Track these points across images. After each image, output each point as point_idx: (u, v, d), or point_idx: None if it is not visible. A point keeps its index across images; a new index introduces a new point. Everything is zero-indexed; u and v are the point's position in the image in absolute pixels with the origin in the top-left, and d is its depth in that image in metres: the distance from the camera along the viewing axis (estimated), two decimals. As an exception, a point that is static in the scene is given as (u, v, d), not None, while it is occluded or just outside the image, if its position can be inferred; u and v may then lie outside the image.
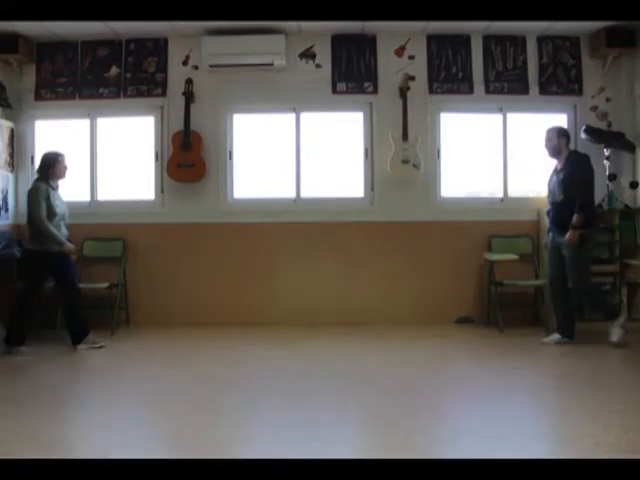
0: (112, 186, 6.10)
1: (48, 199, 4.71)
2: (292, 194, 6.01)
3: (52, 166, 4.80)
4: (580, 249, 4.70)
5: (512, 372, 4.10)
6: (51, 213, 4.70)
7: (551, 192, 4.98)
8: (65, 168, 4.90)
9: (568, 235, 4.67)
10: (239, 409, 3.35)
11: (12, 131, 5.92)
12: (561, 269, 4.87)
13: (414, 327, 5.57)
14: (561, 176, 4.85)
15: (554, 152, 4.95)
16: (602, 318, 4.96)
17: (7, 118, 5.84)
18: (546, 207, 5.14)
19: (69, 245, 4.78)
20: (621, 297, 5.56)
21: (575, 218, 4.64)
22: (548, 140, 4.95)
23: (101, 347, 4.82)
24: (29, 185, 5.99)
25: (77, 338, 4.85)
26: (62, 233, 4.81)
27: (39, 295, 4.80)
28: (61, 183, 4.95)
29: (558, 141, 4.90)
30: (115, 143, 6.11)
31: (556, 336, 4.89)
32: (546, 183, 5.12)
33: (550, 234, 5.01)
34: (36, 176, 4.89)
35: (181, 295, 5.88)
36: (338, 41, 5.97)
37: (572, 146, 5.98)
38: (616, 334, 4.74)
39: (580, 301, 5.08)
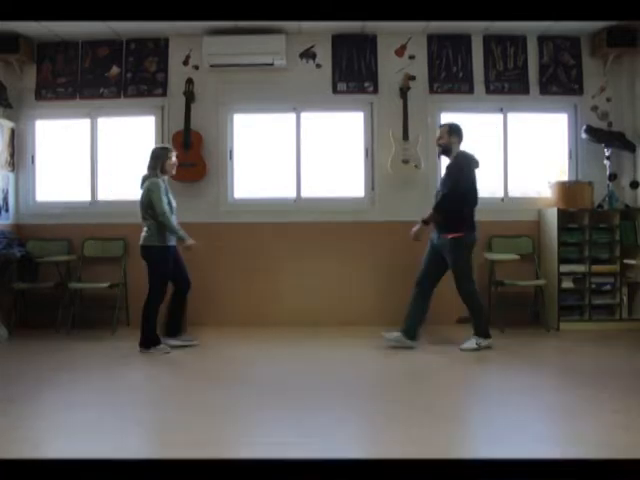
0: (113, 186, 6.10)
1: (166, 194, 4.74)
2: (292, 194, 6.01)
3: (161, 162, 4.78)
4: (456, 253, 4.63)
5: (512, 372, 4.10)
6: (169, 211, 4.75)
7: (436, 190, 4.93)
8: (174, 164, 4.87)
9: (413, 228, 4.69)
10: (239, 409, 3.35)
11: (12, 131, 5.93)
12: (432, 268, 4.80)
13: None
14: (443, 176, 4.78)
15: (443, 150, 4.80)
16: (472, 325, 4.77)
17: (8, 118, 5.85)
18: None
19: (191, 241, 4.78)
20: (621, 297, 5.56)
21: (428, 215, 4.63)
22: (439, 137, 4.79)
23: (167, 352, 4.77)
24: (28, 185, 6.06)
25: (173, 332, 4.90)
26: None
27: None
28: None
29: (449, 139, 4.74)
30: (115, 143, 6.11)
31: (395, 336, 4.78)
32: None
33: (432, 233, 4.87)
34: (147, 173, 4.82)
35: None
36: (338, 41, 5.97)
37: (572, 146, 6.02)
38: (469, 345, 4.67)
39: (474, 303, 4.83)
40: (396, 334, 4.81)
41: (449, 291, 5.82)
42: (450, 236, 4.62)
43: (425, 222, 4.66)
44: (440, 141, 4.78)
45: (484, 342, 4.68)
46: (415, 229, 4.71)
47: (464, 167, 4.67)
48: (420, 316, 4.83)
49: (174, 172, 4.93)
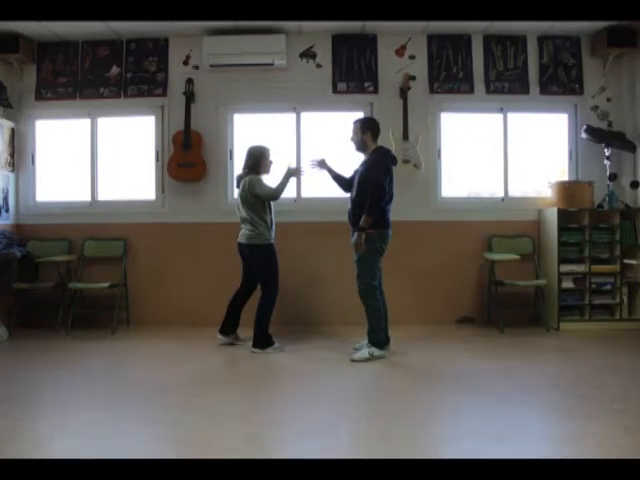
0: (113, 186, 6.10)
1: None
2: (293, 194, 6.00)
3: (259, 161, 4.79)
4: (367, 250, 4.40)
5: (512, 372, 4.10)
6: (268, 207, 4.77)
7: (353, 187, 4.64)
8: (271, 163, 4.87)
9: (354, 237, 4.42)
10: (238, 409, 3.35)
11: (13, 131, 5.93)
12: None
13: (414, 327, 5.57)
14: (360, 172, 4.55)
15: (358, 147, 4.59)
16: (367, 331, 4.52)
17: (8, 118, 5.85)
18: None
19: (292, 166, 4.85)
20: (622, 297, 5.56)
21: (363, 219, 4.34)
22: (354, 134, 4.58)
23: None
24: (29, 185, 6.05)
25: (228, 329, 4.95)
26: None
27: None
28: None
29: (362, 136, 4.54)
30: (116, 143, 6.11)
31: (366, 350, 4.47)
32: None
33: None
34: (244, 171, 4.83)
35: (181, 295, 5.88)
36: (339, 41, 5.97)
37: (572, 146, 6.02)
38: (361, 355, 4.43)
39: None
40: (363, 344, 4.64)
41: (449, 291, 5.85)
42: (365, 235, 4.38)
43: (363, 229, 4.37)
44: (354, 137, 4.60)
45: (377, 352, 4.45)
46: (360, 240, 4.37)
47: (384, 164, 4.44)
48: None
49: (270, 172, 4.90)
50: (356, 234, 4.43)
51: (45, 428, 3.03)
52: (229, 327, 4.97)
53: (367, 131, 4.55)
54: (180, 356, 4.63)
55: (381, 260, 4.58)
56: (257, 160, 4.80)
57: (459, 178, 6.08)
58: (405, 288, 5.84)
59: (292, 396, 3.64)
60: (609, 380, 3.83)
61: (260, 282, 4.81)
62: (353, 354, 4.51)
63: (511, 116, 6.03)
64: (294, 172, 4.86)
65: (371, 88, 5.96)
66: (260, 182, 4.74)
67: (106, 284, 5.51)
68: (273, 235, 4.84)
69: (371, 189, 4.34)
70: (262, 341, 4.72)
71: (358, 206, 4.46)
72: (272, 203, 4.84)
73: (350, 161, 5.99)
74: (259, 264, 4.76)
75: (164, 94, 5.98)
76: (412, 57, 5.96)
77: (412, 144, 5.79)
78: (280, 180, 4.77)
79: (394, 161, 4.58)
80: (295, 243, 5.86)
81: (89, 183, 6.07)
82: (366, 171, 4.47)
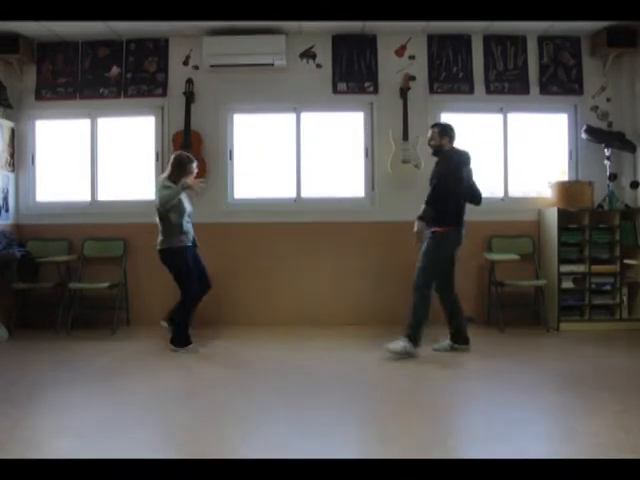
0: (113, 186, 6.10)
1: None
2: (292, 194, 6.01)
3: (181, 168, 4.76)
4: (432, 246, 4.51)
5: (512, 372, 4.10)
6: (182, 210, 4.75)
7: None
8: (191, 174, 4.83)
9: (415, 226, 4.54)
10: (238, 409, 3.35)
11: (13, 131, 5.92)
12: (447, 268, 4.72)
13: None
14: (432, 171, 4.68)
15: (436, 151, 4.69)
16: (406, 325, 4.52)
17: (8, 118, 5.85)
18: None
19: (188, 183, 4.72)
20: (622, 297, 5.56)
21: (422, 209, 4.51)
22: (430, 138, 4.70)
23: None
24: (29, 185, 6.06)
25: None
26: (190, 231, 4.85)
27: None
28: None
29: (440, 140, 4.64)
30: (116, 143, 6.11)
31: (402, 344, 4.48)
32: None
33: None
34: (165, 175, 4.84)
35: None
36: (339, 41, 5.97)
37: (572, 146, 6.03)
38: (397, 346, 4.44)
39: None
40: (447, 343, 4.74)
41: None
42: (432, 230, 4.53)
43: (421, 218, 4.54)
44: (431, 142, 4.70)
45: (410, 349, 4.45)
46: (416, 229, 4.56)
47: (451, 161, 4.56)
48: (459, 316, 4.77)
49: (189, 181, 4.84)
50: (416, 223, 4.56)
51: (45, 428, 3.02)
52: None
53: (445, 137, 4.65)
54: (179, 356, 4.63)
55: (451, 263, 4.69)
56: (179, 167, 4.77)
57: (459, 178, 6.07)
58: (405, 288, 5.83)
59: (293, 395, 3.64)
60: (609, 380, 3.83)
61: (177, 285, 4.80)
62: (389, 343, 4.49)
63: (511, 116, 6.03)
64: (187, 186, 4.71)
65: (371, 88, 5.96)
66: (162, 188, 4.68)
67: (106, 284, 5.51)
68: (186, 239, 4.78)
69: (435, 183, 4.51)
70: (178, 340, 4.73)
71: (429, 204, 4.55)
72: (187, 206, 4.80)
73: (349, 161, 6.03)
74: (170, 269, 4.77)
75: (164, 94, 5.98)
76: (412, 57, 5.96)
77: (412, 144, 5.79)
78: (170, 191, 4.65)
79: (468, 161, 4.65)
80: (295, 243, 5.86)
81: (89, 183, 6.07)
82: (435, 168, 4.62)
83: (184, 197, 4.80)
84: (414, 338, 4.47)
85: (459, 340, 4.73)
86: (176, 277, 4.77)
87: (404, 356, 4.42)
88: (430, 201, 4.51)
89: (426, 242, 4.56)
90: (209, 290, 4.99)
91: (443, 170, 4.54)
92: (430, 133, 4.73)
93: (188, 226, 4.84)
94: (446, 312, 4.77)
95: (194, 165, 4.86)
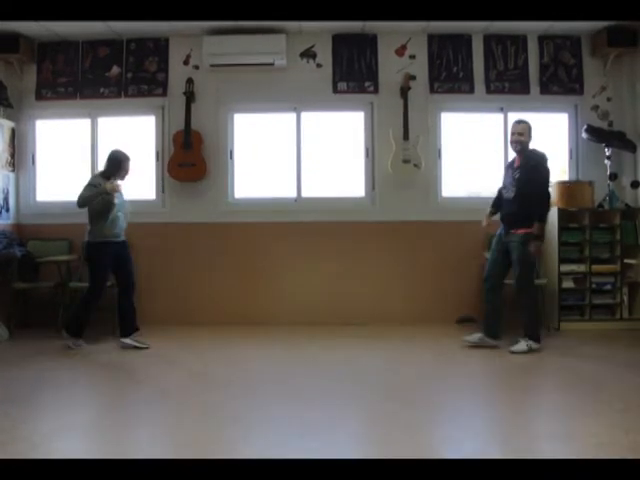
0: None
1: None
2: (293, 194, 6.01)
3: (115, 166, 4.83)
4: (523, 248, 4.58)
5: (512, 372, 4.10)
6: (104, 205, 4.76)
7: (505, 188, 4.83)
8: (126, 172, 4.90)
9: (533, 247, 4.55)
10: (239, 409, 3.35)
11: (13, 131, 5.93)
12: (499, 265, 4.80)
13: (415, 327, 5.57)
14: (517, 174, 4.70)
15: (522, 148, 4.71)
16: (524, 326, 4.67)
17: (8, 118, 5.85)
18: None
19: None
20: (622, 297, 5.56)
21: (537, 227, 4.53)
22: (519, 134, 4.69)
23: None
24: (29, 185, 6.07)
25: (125, 331, 4.92)
26: (119, 225, 4.87)
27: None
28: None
29: (528, 137, 4.70)
30: (116, 143, 6.08)
31: (524, 343, 4.62)
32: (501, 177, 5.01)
33: (499, 230, 4.86)
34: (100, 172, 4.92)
35: (181, 295, 5.88)
36: (339, 41, 5.96)
37: (573, 146, 6.03)
38: (520, 347, 4.58)
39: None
40: (478, 335, 4.80)
41: (450, 291, 5.85)
42: (522, 231, 4.59)
43: (539, 237, 4.58)
44: (521, 137, 4.69)
45: (534, 345, 4.61)
46: (534, 249, 4.56)
47: (545, 165, 4.68)
48: (497, 314, 4.81)
49: (124, 179, 4.92)
50: (517, 235, 4.59)
51: (45, 428, 3.02)
52: (126, 329, 4.92)
53: (530, 134, 4.71)
54: (180, 356, 4.63)
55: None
56: (114, 163, 4.83)
57: (459, 178, 6.08)
58: (406, 288, 5.84)
59: (293, 395, 3.64)
60: (609, 380, 3.83)
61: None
62: (512, 346, 4.61)
63: (511, 116, 6.00)
64: (103, 191, 4.70)
65: (371, 88, 5.96)
66: (88, 186, 4.73)
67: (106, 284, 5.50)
68: (111, 234, 4.79)
69: (539, 191, 4.56)
70: (71, 328, 4.78)
71: (520, 205, 4.59)
72: (115, 201, 4.78)
73: (349, 161, 6.03)
74: (85, 260, 4.86)
75: (164, 94, 5.98)
76: (412, 57, 5.96)
77: (412, 144, 5.78)
78: (90, 193, 4.67)
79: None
80: (295, 243, 5.86)
81: (89, 183, 6.07)
82: (530, 174, 4.61)
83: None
84: (535, 336, 4.62)
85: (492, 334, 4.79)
86: (88, 270, 4.83)
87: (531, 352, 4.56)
88: (544, 215, 4.60)
89: (515, 245, 4.63)
90: (131, 294, 4.95)
91: (546, 175, 4.64)
92: (519, 128, 4.71)
93: (117, 220, 4.82)
94: (491, 306, 4.83)
95: (129, 163, 4.89)
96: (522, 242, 4.59)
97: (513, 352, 4.57)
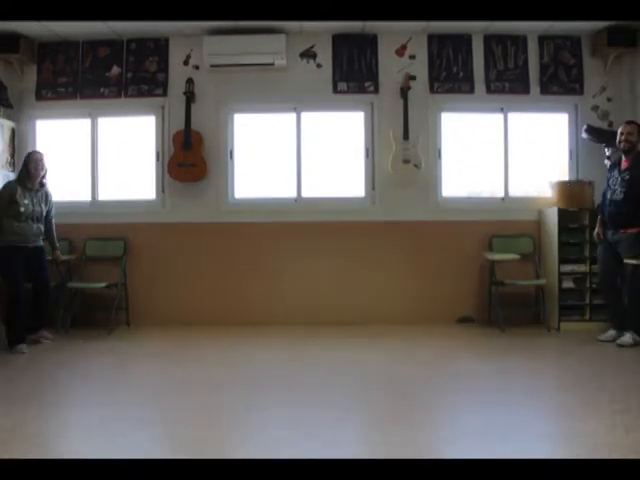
0: (113, 186, 6.10)
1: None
2: (293, 194, 6.01)
3: (24, 167, 4.91)
4: (638, 248, 4.64)
5: (513, 372, 4.10)
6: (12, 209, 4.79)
7: (611, 189, 4.86)
8: (32, 173, 4.93)
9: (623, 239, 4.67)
10: (239, 409, 3.35)
11: (13, 131, 5.92)
12: (611, 267, 4.88)
13: (415, 327, 5.57)
14: (627, 175, 4.73)
15: (630, 148, 4.75)
16: (633, 322, 4.74)
17: (8, 118, 5.85)
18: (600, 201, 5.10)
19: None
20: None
21: None
22: (629, 134, 4.74)
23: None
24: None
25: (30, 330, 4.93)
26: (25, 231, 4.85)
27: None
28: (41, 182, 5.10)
29: (638, 138, 4.73)
30: (116, 143, 6.11)
31: (629, 336, 4.71)
32: (605, 178, 5.06)
33: (607, 231, 4.93)
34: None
35: (181, 295, 5.88)
36: (339, 41, 5.96)
37: (573, 146, 6.02)
38: (627, 340, 4.69)
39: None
40: (629, 335, 4.77)
41: (450, 291, 5.85)
42: (634, 230, 4.64)
43: None
44: (631, 137, 4.73)
45: (630, 342, 4.66)
46: None
47: None
48: (623, 309, 4.85)
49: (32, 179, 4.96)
50: (629, 235, 4.66)
51: (45, 428, 3.02)
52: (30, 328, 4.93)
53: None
54: (180, 356, 4.63)
55: None
56: (24, 166, 4.93)
57: (459, 178, 6.08)
58: (406, 288, 5.84)
59: (293, 394, 3.64)
60: (609, 380, 3.83)
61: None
62: (619, 339, 4.74)
63: (511, 116, 6.03)
64: None
65: (371, 88, 5.96)
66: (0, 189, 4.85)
67: (103, 284, 5.51)
68: (17, 239, 4.80)
69: None
70: (8, 338, 4.74)
71: (628, 206, 4.65)
72: (22, 209, 4.81)
73: (349, 161, 6.03)
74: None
75: (164, 94, 5.98)
76: (412, 57, 5.96)
77: (412, 144, 5.79)
78: None
79: None
80: (295, 243, 5.86)
81: (89, 183, 6.08)
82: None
83: (26, 197, 4.85)
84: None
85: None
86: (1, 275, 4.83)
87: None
88: None
89: (627, 245, 4.68)
90: (45, 297, 5.00)
91: None
92: (629, 128, 4.76)
93: (23, 226, 4.83)
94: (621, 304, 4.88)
95: (34, 164, 4.91)
96: (635, 241, 4.64)
97: (620, 345, 4.67)
